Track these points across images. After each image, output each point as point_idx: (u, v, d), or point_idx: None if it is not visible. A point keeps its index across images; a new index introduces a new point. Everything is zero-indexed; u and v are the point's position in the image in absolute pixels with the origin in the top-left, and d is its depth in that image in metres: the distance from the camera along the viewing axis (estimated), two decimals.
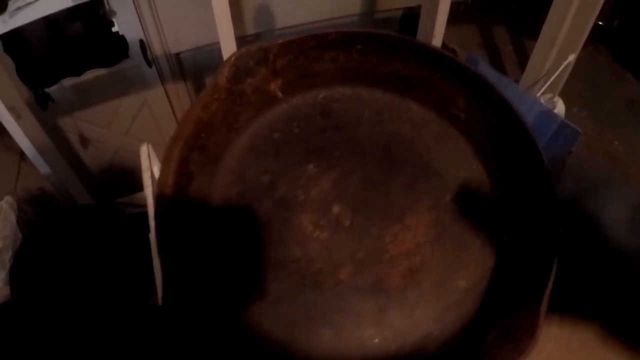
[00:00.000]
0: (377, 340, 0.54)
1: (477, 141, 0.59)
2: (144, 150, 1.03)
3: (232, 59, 0.58)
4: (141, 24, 1.76)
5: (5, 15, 1.03)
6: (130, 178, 2.09)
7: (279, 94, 0.63)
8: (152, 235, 0.94)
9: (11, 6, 1.08)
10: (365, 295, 0.56)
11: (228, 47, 1.27)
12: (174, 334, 0.48)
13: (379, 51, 0.60)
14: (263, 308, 0.55)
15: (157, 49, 1.86)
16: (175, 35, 1.85)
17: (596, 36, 2.39)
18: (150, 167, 1.00)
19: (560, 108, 1.64)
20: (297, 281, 0.56)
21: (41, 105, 1.76)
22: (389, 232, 0.58)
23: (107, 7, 1.75)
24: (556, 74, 1.76)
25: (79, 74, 1.86)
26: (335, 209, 0.60)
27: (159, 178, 0.55)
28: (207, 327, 0.51)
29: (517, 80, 2.11)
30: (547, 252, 0.46)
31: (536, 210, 0.50)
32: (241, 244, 0.58)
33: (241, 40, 1.79)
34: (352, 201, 0.60)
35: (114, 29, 1.93)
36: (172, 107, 2.08)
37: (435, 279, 0.55)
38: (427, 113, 0.61)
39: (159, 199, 0.54)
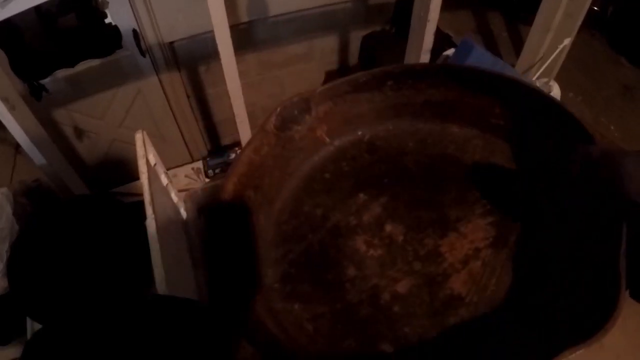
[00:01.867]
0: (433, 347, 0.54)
1: (517, 144, 0.61)
2: (139, 137, 1.02)
3: (278, 109, 0.62)
4: (134, 14, 1.75)
5: None
6: (126, 168, 2.08)
7: (326, 138, 0.67)
8: (149, 222, 0.94)
9: None
10: (426, 308, 0.56)
11: (222, 35, 1.27)
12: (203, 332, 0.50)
13: (409, 83, 0.63)
14: (323, 328, 0.56)
15: (150, 38, 1.85)
16: (169, 24, 1.84)
17: (591, 22, 2.39)
18: (146, 154, 1.00)
19: (556, 93, 1.63)
20: (354, 298, 0.57)
21: (35, 96, 1.75)
22: (444, 242, 0.59)
23: None
24: (551, 58, 1.76)
25: (72, 65, 1.85)
26: (388, 228, 0.61)
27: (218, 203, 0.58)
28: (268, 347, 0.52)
29: (512, 65, 2.10)
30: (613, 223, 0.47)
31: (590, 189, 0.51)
32: (299, 272, 0.60)
33: (234, 28, 1.78)
34: (403, 219, 0.61)
35: (107, 20, 1.92)
36: (166, 96, 2.07)
37: (499, 279, 0.56)
38: (469, 131, 0.65)
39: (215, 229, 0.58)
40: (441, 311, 0.55)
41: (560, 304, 0.51)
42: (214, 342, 0.49)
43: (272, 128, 0.62)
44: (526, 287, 0.54)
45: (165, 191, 1.16)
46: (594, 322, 0.43)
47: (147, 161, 1.00)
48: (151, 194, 0.93)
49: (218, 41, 1.27)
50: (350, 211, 0.63)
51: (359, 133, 0.68)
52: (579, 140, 0.53)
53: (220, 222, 0.58)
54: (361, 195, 0.64)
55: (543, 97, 0.55)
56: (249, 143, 0.61)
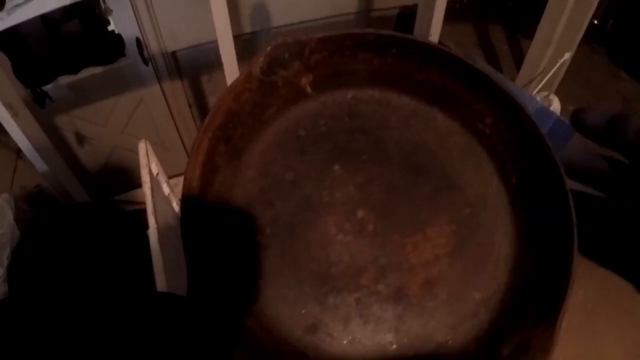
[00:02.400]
0: (395, 346, 0.55)
1: (500, 158, 0.59)
2: (142, 146, 1.03)
3: (268, 49, 0.57)
4: (137, 22, 1.77)
5: (3, 13, 1.03)
6: (127, 176, 2.09)
7: (309, 89, 0.63)
8: (152, 232, 0.94)
9: (9, 3, 1.08)
10: (385, 302, 0.56)
11: (226, 46, 1.28)
12: (195, 327, 0.48)
13: (415, 59, 0.60)
14: (283, 308, 0.56)
15: (153, 47, 1.86)
16: (172, 34, 1.85)
17: (592, 35, 2.40)
18: (149, 164, 1.01)
19: (555, 106, 1.64)
20: (319, 283, 0.56)
21: (39, 103, 1.76)
22: (410, 241, 0.58)
23: (103, 5, 1.75)
24: (552, 72, 1.77)
25: (75, 72, 1.86)
26: (360, 213, 0.60)
27: (186, 169, 0.53)
28: (225, 324, 0.52)
29: (512, 79, 2.12)
30: (563, 272, 0.47)
31: (553, 231, 0.51)
32: (263, 242, 0.58)
33: (238, 38, 1.80)
34: (376, 206, 0.60)
35: (110, 28, 1.93)
36: (168, 105, 2.08)
37: (451, 290, 0.56)
38: (453, 124, 0.62)
39: (185, 190, 0.53)
40: (398, 311, 0.56)
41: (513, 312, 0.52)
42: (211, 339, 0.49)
43: (257, 72, 0.57)
44: (480, 301, 0.56)
45: (167, 200, 1.17)
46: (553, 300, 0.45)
47: (150, 171, 1.01)
48: (154, 204, 0.94)
49: (222, 51, 1.28)
50: (323, 184, 0.60)
51: (344, 91, 0.64)
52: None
53: (193, 187, 0.54)
54: (336, 168, 0.61)
55: (539, 137, 0.54)
56: (230, 89, 0.57)
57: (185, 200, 0.53)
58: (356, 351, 0.55)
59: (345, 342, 0.55)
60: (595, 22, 2.50)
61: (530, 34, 1.92)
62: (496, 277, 0.56)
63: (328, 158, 0.62)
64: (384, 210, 0.60)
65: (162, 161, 1.12)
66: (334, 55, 0.61)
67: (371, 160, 0.62)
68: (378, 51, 0.61)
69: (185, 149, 2.28)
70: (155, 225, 0.91)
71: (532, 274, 0.53)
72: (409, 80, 0.62)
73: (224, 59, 1.30)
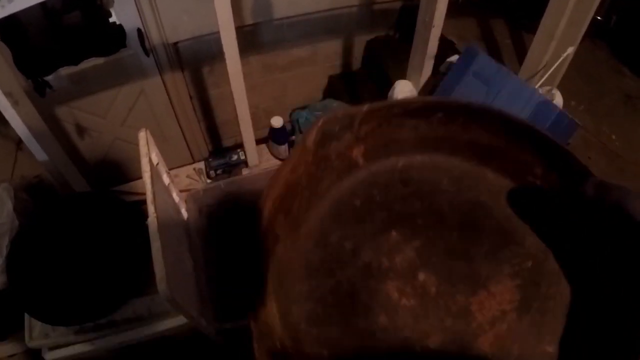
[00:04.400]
0: None
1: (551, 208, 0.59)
2: (143, 135, 1.02)
3: (320, 123, 0.59)
4: (139, 13, 1.76)
5: (4, 0, 1.02)
6: (127, 167, 2.09)
7: (361, 160, 0.64)
8: (151, 221, 0.94)
9: None
10: None
11: (227, 37, 1.27)
12: None
13: (460, 120, 0.61)
14: None
15: (154, 38, 1.85)
16: (173, 25, 1.84)
17: (594, 31, 2.39)
18: (149, 153, 1.00)
19: (558, 101, 1.63)
20: (385, 350, 0.55)
21: (39, 92, 1.76)
22: (474, 299, 0.57)
23: None
24: (554, 66, 1.76)
25: (76, 63, 1.85)
26: (421, 277, 0.59)
27: (258, 235, 0.54)
28: None
29: (515, 73, 2.11)
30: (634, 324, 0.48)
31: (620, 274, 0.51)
32: (327, 312, 0.57)
33: (240, 30, 1.79)
34: (436, 269, 0.59)
35: (112, 19, 1.92)
36: (169, 96, 2.07)
37: (522, 345, 0.55)
38: (504, 181, 0.63)
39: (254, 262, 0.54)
40: None
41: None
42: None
43: (312, 145, 0.59)
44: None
45: (166, 191, 1.16)
46: None
47: (150, 160, 1.01)
48: (153, 193, 0.94)
49: (224, 42, 1.27)
50: (382, 250, 0.60)
51: (394, 159, 0.65)
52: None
53: (252, 250, 0.54)
54: (394, 234, 0.61)
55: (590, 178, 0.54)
56: (287, 161, 0.58)
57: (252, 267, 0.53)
58: None
59: None
60: (599, 17, 2.49)
61: (532, 29, 1.90)
62: (568, 328, 0.55)
63: (385, 225, 0.62)
64: (444, 272, 0.59)
65: (163, 153, 1.11)
66: (383, 124, 0.62)
67: (427, 224, 0.62)
68: (425, 116, 0.62)
69: (187, 141, 2.28)
70: (155, 215, 0.91)
71: (601, 324, 0.52)
72: (456, 142, 0.63)
73: (225, 50, 1.29)
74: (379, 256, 0.60)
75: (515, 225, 0.61)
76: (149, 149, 1.01)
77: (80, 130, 2.02)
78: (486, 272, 0.59)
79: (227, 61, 1.31)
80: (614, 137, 2.20)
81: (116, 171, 2.12)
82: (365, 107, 0.60)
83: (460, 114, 0.61)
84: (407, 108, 0.62)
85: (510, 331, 0.55)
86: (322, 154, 0.61)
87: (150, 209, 0.92)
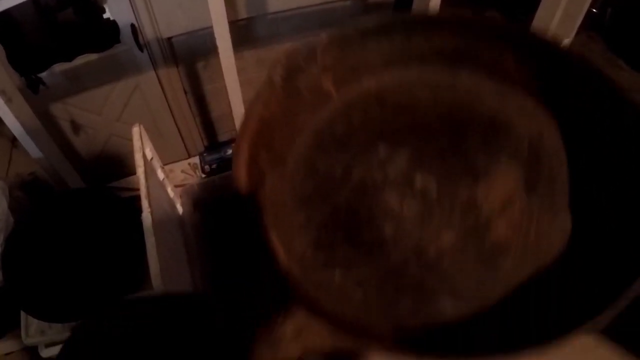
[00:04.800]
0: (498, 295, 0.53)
1: (536, 91, 0.60)
2: (136, 130, 1.02)
3: (283, 59, 0.59)
4: (132, 8, 1.75)
5: None
6: (122, 163, 2.08)
7: (332, 90, 0.64)
8: (145, 216, 0.94)
9: None
10: (476, 257, 0.54)
11: (221, 31, 1.27)
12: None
13: (421, 32, 0.62)
14: (372, 293, 0.53)
15: (148, 33, 1.84)
16: (167, 20, 1.83)
17: (590, 24, 2.39)
18: (142, 148, 1.00)
19: None
20: (400, 259, 0.55)
21: (32, 89, 1.75)
22: (478, 191, 0.57)
23: None
24: None
25: (70, 60, 1.84)
26: (418, 181, 0.59)
27: (233, 172, 0.54)
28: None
29: None
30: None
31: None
32: (331, 236, 0.57)
33: (234, 24, 1.78)
34: (432, 171, 0.59)
35: (106, 16, 1.91)
36: (164, 91, 2.06)
37: (539, 223, 0.55)
38: (479, 77, 0.63)
39: (238, 191, 0.53)
40: (491, 261, 0.54)
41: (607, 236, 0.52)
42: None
43: (279, 79, 0.59)
44: (573, 228, 0.55)
45: (161, 186, 1.16)
46: None
47: (144, 155, 1.01)
48: (147, 188, 0.94)
49: (217, 37, 1.27)
50: (372, 166, 0.60)
51: (366, 83, 0.65)
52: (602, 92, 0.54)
53: (236, 190, 0.54)
54: (381, 148, 0.61)
55: (559, 51, 0.56)
56: (257, 97, 0.58)
57: (238, 201, 0.53)
58: (459, 312, 0.53)
59: (447, 306, 0.53)
60: (594, 10, 2.49)
61: (527, 22, 1.90)
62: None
63: (370, 143, 0.61)
64: (441, 172, 0.59)
65: (158, 148, 1.11)
66: (345, 50, 0.62)
67: (413, 133, 0.62)
68: (384, 35, 0.62)
69: (182, 136, 2.27)
70: (149, 210, 0.91)
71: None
72: (423, 54, 0.63)
73: (219, 44, 1.28)
74: (370, 172, 0.59)
75: (500, 116, 0.61)
76: (142, 144, 1.01)
77: (76, 126, 2.01)
78: (483, 163, 0.59)
79: (221, 55, 1.31)
80: None
81: (112, 167, 2.12)
82: (325, 37, 0.61)
83: (418, 26, 0.61)
84: (365, 31, 0.62)
85: (523, 213, 0.55)
86: (292, 89, 0.61)
87: (145, 204, 0.92)
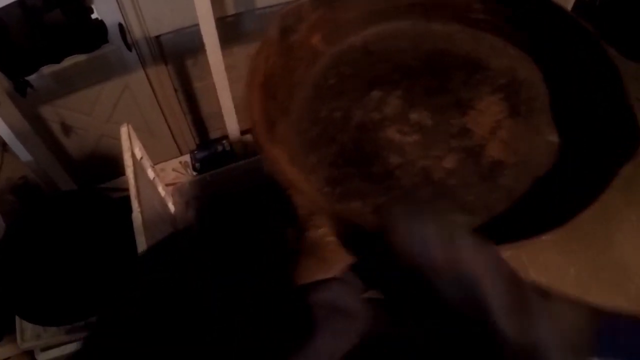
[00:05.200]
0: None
1: (506, 32, 0.69)
2: (124, 130, 1.02)
3: (276, 20, 0.66)
4: (119, 7, 1.74)
5: None
6: (114, 164, 2.07)
7: (321, 46, 0.71)
8: (135, 216, 0.93)
9: None
10: (477, 175, 0.60)
11: (207, 29, 1.26)
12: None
13: None
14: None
15: (136, 32, 1.83)
16: (155, 18, 1.82)
17: (580, 12, 2.39)
18: (131, 148, 0.99)
19: None
20: (410, 183, 0.60)
21: (20, 92, 1.73)
22: (468, 119, 0.64)
23: None
24: None
25: (58, 61, 1.83)
26: (413, 116, 0.65)
27: (250, 117, 0.58)
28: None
29: None
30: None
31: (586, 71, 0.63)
32: (343, 172, 0.62)
33: (221, 20, 1.77)
34: (424, 106, 0.66)
35: (94, 16, 1.90)
36: (154, 91, 2.05)
37: (527, 142, 0.62)
38: (452, 27, 0.72)
39: (255, 131, 0.57)
40: (491, 176, 0.60)
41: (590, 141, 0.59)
42: None
43: (275, 35, 0.65)
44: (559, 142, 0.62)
45: (152, 185, 1.16)
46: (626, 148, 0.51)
47: (133, 155, 1.00)
48: (137, 188, 0.93)
49: (203, 33, 1.26)
50: (369, 108, 0.66)
51: (353, 37, 0.73)
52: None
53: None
54: (375, 92, 0.68)
55: None
56: (258, 53, 0.63)
57: (257, 140, 0.57)
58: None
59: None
60: None
61: None
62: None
63: (363, 89, 0.69)
64: (432, 106, 0.66)
65: (149, 147, 1.10)
66: (327, 10, 0.69)
67: (401, 77, 0.69)
68: None
69: (173, 135, 2.26)
70: (139, 210, 0.90)
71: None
72: (399, 8, 0.72)
73: (205, 41, 1.28)
74: (369, 113, 0.66)
75: (475, 56, 0.70)
76: (131, 144, 1.01)
77: (66, 128, 2.00)
78: (468, 96, 0.66)
79: (208, 53, 1.30)
80: None
81: (104, 168, 2.11)
82: None
83: None
84: None
85: (512, 133, 0.63)
86: (286, 46, 0.67)
87: (134, 204, 0.92)
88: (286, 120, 0.65)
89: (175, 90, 2.15)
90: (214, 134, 2.40)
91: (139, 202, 0.91)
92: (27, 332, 1.27)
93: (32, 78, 1.78)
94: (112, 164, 2.09)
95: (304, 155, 0.63)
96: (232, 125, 1.54)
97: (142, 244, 0.86)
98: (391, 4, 0.72)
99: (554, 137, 0.62)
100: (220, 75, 1.38)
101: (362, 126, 0.65)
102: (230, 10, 1.89)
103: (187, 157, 1.70)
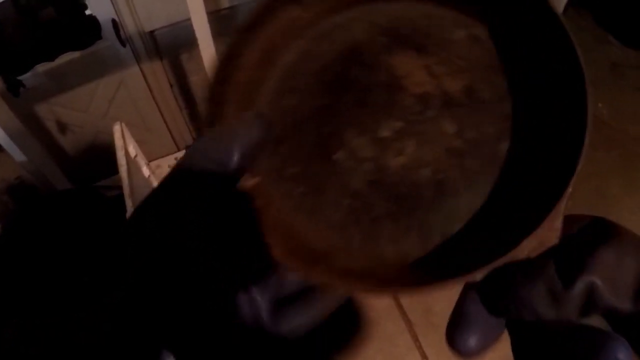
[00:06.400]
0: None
1: (468, 9, 0.64)
2: (117, 129, 1.00)
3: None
4: (112, 3, 1.72)
5: None
6: (111, 161, 2.05)
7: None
8: (129, 215, 0.92)
9: None
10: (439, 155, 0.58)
11: (199, 22, 1.24)
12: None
13: None
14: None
15: (130, 27, 1.81)
16: (148, 13, 1.80)
17: (580, 2, 2.37)
18: (125, 146, 0.98)
19: None
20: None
21: (13, 92, 1.72)
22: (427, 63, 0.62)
23: None
24: None
25: (52, 59, 1.82)
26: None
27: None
28: None
29: None
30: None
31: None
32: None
33: (216, 14, 1.76)
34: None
35: (88, 12, 1.88)
36: (149, 86, 2.04)
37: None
38: (408, 6, 0.68)
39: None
40: (458, 158, 0.58)
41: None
42: None
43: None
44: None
45: (147, 183, 1.14)
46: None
47: (127, 153, 0.98)
48: (131, 187, 0.92)
49: (195, 27, 1.25)
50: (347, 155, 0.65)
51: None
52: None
53: None
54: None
55: None
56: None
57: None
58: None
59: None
60: None
61: None
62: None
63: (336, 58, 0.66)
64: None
65: (145, 143, 1.09)
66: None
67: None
68: None
69: (169, 130, 2.25)
70: (133, 209, 0.89)
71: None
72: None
73: (198, 35, 1.26)
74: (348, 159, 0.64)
75: (437, 31, 0.67)
76: (124, 142, 0.99)
77: (62, 126, 1.98)
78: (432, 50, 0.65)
79: (201, 46, 1.29)
80: (600, 105, 2.18)
81: (100, 165, 2.09)
82: None
83: None
84: None
85: (474, 79, 0.60)
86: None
87: (128, 203, 0.91)
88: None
89: (171, 85, 2.14)
90: None
91: (133, 201, 0.89)
92: None
93: (26, 77, 1.76)
94: (108, 161, 2.07)
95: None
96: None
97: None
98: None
99: (508, 109, 0.60)
100: None
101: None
102: (224, 3, 1.88)
103: (183, 153, 1.69)
